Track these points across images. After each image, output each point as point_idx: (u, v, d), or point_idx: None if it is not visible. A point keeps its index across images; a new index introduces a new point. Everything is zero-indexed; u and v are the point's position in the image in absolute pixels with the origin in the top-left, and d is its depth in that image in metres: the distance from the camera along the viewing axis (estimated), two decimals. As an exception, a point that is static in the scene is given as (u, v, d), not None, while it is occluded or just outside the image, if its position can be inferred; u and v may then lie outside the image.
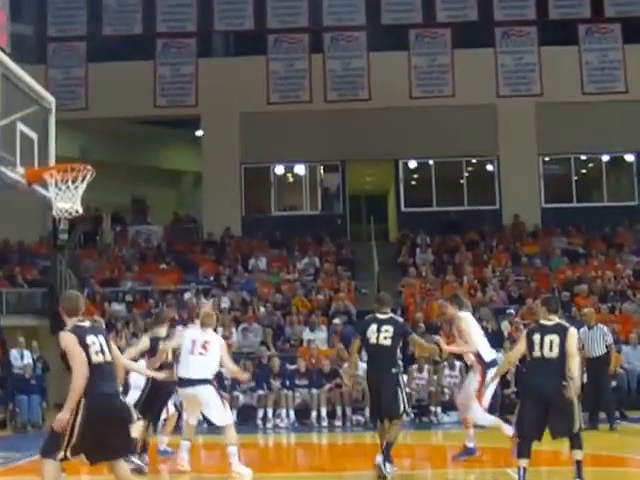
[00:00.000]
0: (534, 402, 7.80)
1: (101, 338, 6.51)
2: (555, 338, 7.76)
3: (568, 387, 7.68)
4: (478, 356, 10.11)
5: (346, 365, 16.48)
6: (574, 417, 7.71)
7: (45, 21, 24.08)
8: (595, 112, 23.11)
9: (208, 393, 9.75)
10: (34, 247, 23.28)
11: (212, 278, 21.24)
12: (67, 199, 8.76)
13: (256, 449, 13.34)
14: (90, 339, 6.43)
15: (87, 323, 6.63)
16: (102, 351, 6.43)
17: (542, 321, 8.03)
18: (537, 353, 7.81)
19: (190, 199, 28.36)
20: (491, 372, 9.85)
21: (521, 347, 8.03)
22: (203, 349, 9.82)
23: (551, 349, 7.76)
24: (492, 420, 10.27)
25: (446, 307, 11.14)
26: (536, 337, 7.82)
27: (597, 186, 24.83)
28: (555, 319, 7.99)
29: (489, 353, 10.17)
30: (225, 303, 19.58)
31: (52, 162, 9.19)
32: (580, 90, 23.66)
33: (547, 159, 24.69)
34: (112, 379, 6.52)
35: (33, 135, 8.93)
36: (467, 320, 10.26)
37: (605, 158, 24.81)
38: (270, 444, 14.55)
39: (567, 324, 8.05)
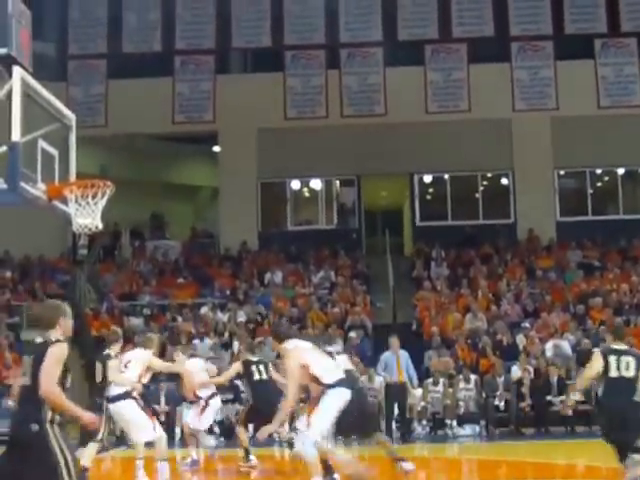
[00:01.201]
0: (613, 420, 8.24)
1: (26, 359, 6.02)
2: (631, 360, 8.32)
3: None
4: (317, 382, 8.72)
5: (362, 378, 16.60)
6: None
7: (66, 39, 24.33)
8: (611, 126, 23.11)
9: (125, 408, 9.95)
10: (54, 262, 23.54)
11: (228, 292, 21.42)
12: (87, 215, 8.87)
13: (273, 462, 13.42)
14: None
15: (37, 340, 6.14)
16: (24, 373, 6.02)
17: (614, 345, 8.68)
18: (614, 373, 8.32)
19: (207, 214, 28.55)
20: (333, 394, 8.56)
21: (597, 365, 8.50)
22: (125, 367, 10.29)
23: (627, 368, 8.30)
24: (314, 458, 8.58)
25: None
26: (612, 358, 8.36)
27: (612, 199, 24.79)
28: (623, 345, 8.63)
29: (331, 374, 8.68)
30: (241, 317, 19.76)
31: (72, 178, 9.32)
32: (596, 104, 23.66)
33: (562, 173, 24.71)
34: (21, 404, 6.03)
35: (54, 152, 9.06)
36: (293, 352, 8.75)
37: (620, 171, 24.82)
38: (286, 457, 14.61)
39: (637, 351, 8.71)
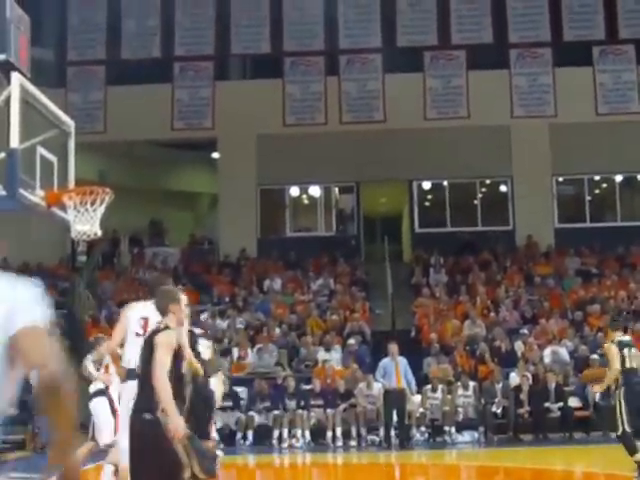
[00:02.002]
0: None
1: None
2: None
3: None
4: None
5: (361, 385, 16.61)
6: None
7: (65, 45, 24.35)
8: (609, 133, 23.16)
9: (94, 407, 9.43)
10: (53, 269, 23.52)
11: (228, 299, 21.42)
12: (85, 221, 8.90)
13: (272, 469, 13.44)
14: None
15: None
16: None
17: (619, 337, 9.53)
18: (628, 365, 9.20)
19: (207, 221, 28.57)
20: (127, 387, 7.48)
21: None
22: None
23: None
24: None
25: None
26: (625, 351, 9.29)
27: (610, 206, 24.82)
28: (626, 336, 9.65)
29: (130, 359, 7.42)
30: (241, 324, 19.75)
31: (71, 185, 9.34)
32: (594, 111, 23.70)
33: (561, 180, 24.75)
34: (137, 391, 6.14)
35: (52, 158, 9.09)
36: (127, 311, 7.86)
37: (618, 178, 24.86)
38: (285, 464, 14.63)
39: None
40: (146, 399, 5.77)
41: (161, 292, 6.28)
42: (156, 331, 5.90)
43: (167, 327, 5.88)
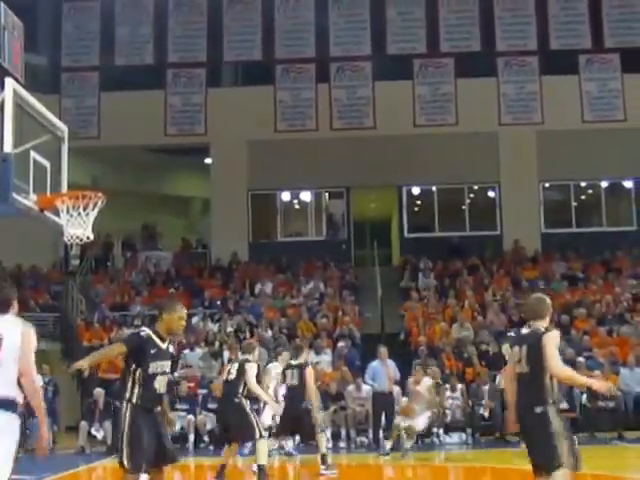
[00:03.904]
0: None
1: (515, 349, 6.65)
2: None
3: None
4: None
5: (350, 387, 16.81)
6: None
7: (59, 52, 24.51)
8: (594, 140, 23.47)
9: None
10: (47, 272, 23.69)
11: (219, 302, 21.62)
12: (78, 226, 9.00)
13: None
14: None
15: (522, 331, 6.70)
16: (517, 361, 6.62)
17: None
18: None
19: (199, 225, 28.78)
20: None
21: None
22: None
23: None
24: None
25: None
26: None
27: (596, 211, 25.17)
28: None
29: None
30: (231, 327, 19.93)
31: (64, 189, 9.48)
32: (580, 118, 23.95)
33: (547, 185, 25.08)
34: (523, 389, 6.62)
35: (46, 163, 9.22)
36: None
37: (604, 184, 25.18)
38: (275, 466, 14.75)
39: None
40: (536, 394, 6.27)
41: (537, 298, 6.76)
42: (537, 333, 6.38)
43: (547, 329, 6.43)
